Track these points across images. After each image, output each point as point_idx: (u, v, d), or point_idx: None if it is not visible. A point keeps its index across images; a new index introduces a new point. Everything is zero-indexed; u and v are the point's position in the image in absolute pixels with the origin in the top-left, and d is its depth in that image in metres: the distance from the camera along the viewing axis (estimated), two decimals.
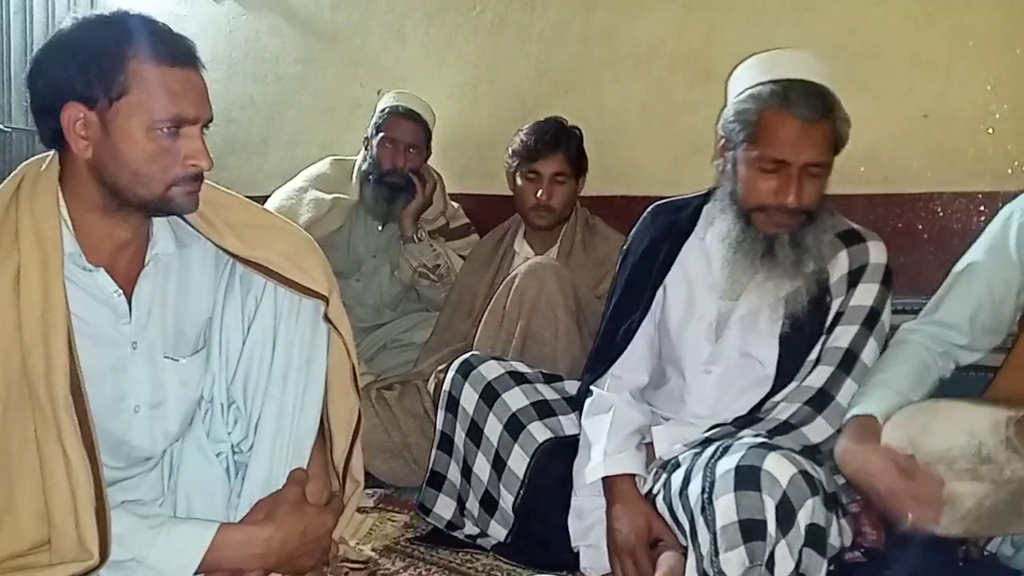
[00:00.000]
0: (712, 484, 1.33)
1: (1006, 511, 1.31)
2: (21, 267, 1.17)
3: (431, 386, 2.20)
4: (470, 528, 1.83)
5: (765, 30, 2.34)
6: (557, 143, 2.33)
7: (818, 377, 1.56)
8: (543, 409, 1.78)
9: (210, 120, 1.26)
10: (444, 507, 1.85)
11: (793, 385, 1.58)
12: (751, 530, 1.27)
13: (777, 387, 1.59)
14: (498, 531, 1.77)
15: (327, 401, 1.41)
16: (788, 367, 1.59)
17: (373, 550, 1.82)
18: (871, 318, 1.58)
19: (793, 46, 1.91)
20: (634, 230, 1.84)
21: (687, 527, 1.40)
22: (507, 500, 1.74)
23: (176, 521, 1.28)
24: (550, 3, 2.80)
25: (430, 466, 1.87)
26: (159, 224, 1.33)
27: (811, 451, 1.47)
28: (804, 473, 1.29)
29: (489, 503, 1.78)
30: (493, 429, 1.77)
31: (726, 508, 1.29)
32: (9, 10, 3.90)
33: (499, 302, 2.10)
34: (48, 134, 1.23)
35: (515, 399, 1.77)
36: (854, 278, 1.60)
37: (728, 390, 1.65)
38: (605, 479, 1.63)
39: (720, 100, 1.68)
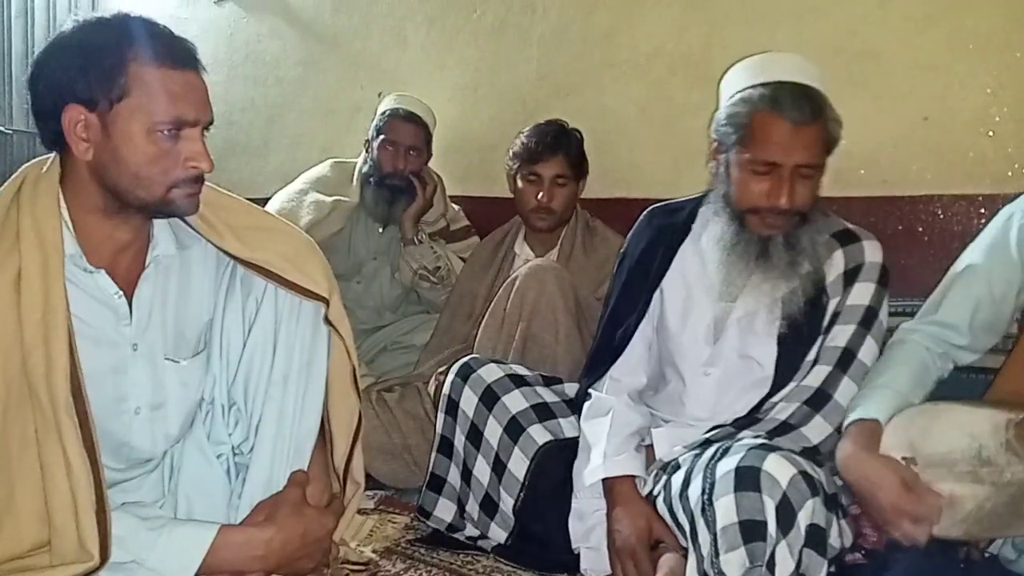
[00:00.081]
0: (712, 485, 1.33)
1: (1006, 513, 1.31)
2: (22, 269, 1.17)
3: (431, 388, 2.20)
4: (470, 530, 1.83)
5: (765, 32, 2.34)
6: (558, 145, 2.34)
7: (816, 377, 1.56)
8: (543, 412, 1.78)
9: (211, 122, 1.26)
10: (444, 510, 1.85)
11: (792, 385, 1.58)
12: (751, 531, 1.27)
13: (776, 388, 1.59)
14: (498, 533, 1.77)
15: (328, 403, 1.41)
16: (787, 368, 1.59)
17: (374, 552, 1.82)
18: (868, 317, 1.58)
19: (793, 48, 1.92)
20: (630, 233, 1.84)
21: (687, 528, 1.40)
22: (507, 502, 1.74)
23: (176, 523, 1.28)
24: (551, 6, 2.80)
25: (430, 469, 1.87)
26: (160, 226, 1.33)
27: (811, 452, 1.47)
28: (804, 474, 1.29)
29: (489, 506, 1.78)
30: (493, 432, 1.76)
31: (726, 509, 1.29)
32: (11, 13, 3.90)
33: (499, 304, 2.10)
34: (49, 136, 1.23)
35: (515, 402, 1.77)
36: (850, 277, 1.60)
37: (727, 392, 1.65)
38: (605, 481, 1.63)
39: None
